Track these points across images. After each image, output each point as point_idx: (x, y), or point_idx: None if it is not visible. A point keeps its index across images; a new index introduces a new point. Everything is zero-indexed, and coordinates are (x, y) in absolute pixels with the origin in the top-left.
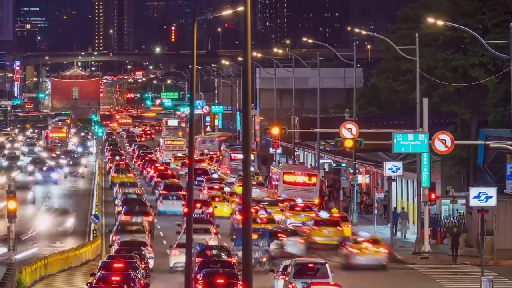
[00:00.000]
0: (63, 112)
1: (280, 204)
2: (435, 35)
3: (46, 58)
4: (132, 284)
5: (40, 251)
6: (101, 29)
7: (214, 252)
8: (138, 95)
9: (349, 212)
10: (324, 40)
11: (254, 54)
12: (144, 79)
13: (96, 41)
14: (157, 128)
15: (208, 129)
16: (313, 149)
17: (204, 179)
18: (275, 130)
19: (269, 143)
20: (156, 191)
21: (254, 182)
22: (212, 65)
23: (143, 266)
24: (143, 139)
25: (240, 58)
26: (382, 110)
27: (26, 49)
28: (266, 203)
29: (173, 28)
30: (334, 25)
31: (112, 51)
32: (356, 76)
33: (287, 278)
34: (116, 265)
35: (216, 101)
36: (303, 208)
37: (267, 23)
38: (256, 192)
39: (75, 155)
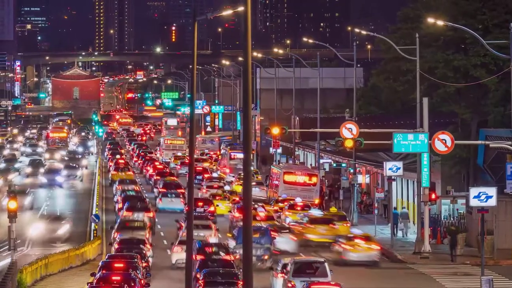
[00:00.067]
0: (64, 112)
1: (271, 203)
2: (436, 35)
3: (47, 58)
4: (133, 284)
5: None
6: (101, 29)
7: (213, 249)
8: (138, 95)
9: (349, 212)
10: (324, 40)
11: (255, 54)
12: (144, 79)
13: (97, 41)
14: (159, 127)
15: (209, 129)
16: (314, 149)
17: (203, 178)
18: (276, 130)
19: (270, 143)
20: (155, 189)
21: (253, 182)
22: (213, 65)
23: (143, 265)
24: (144, 138)
25: (240, 58)
26: (383, 110)
27: (26, 49)
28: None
29: (173, 28)
30: (334, 25)
31: (112, 51)
32: (357, 76)
33: (286, 277)
34: (116, 265)
35: (216, 101)
36: (302, 208)
37: (268, 23)
38: (255, 191)
39: (76, 156)
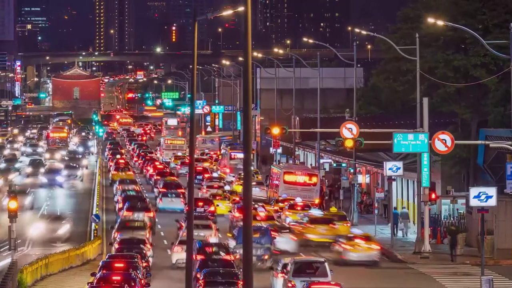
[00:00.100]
0: (64, 112)
1: (271, 203)
2: (436, 35)
3: (47, 58)
4: (133, 284)
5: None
6: (102, 29)
7: (214, 249)
8: (139, 95)
9: (349, 211)
10: (324, 40)
11: (255, 54)
12: (145, 79)
13: (97, 41)
14: (159, 127)
15: (209, 129)
16: (314, 149)
17: (204, 178)
18: (276, 130)
19: (270, 143)
20: (155, 189)
21: (253, 182)
22: (213, 65)
23: (144, 265)
24: (144, 138)
25: (240, 58)
26: (383, 110)
27: (27, 49)
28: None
29: (173, 28)
30: (335, 25)
31: (113, 51)
32: (357, 76)
33: (286, 277)
34: (117, 265)
35: (216, 101)
36: (302, 208)
37: (268, 23)
38: (255, 191)
39: (76, 156)
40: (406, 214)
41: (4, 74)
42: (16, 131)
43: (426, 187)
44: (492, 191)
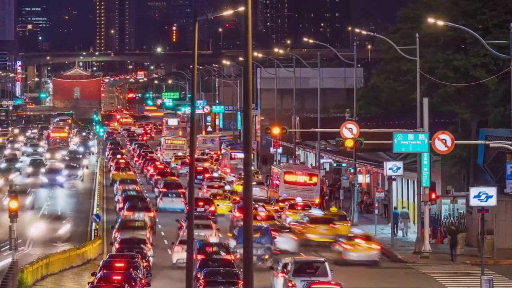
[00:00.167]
0: (65, 112)
1: (271, 203)
2: (436, 35)
3: (48, 58)
4: (133, 284)
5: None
6: (102, 29)
7: (214, 249)
8: (139, 95)
9: (349, 211)
10: (324, 40)
11: (255, 54)
12: (145, 79)
13: (98, 41)
14: (160, 127)
15: (209, 129)
16: (314, 149)
17: (204, 177)
18: (276, 130)
19: (270, 143)
20: (156, 189)
21: (253, 182)
22: (213, 65)
23: (144, 265)
24: (144, 138)
25: (241, 58)
26: (383, 110)
27: (27, 49)
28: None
29: (174, 28)
30: (335, 25)
31: (113, 51)
32: (357, 76)
33: (286, 276)
34: (117, 265)
35: (217, 101)
36: (303, 207)
37: (268, 23)
38: (255, 191)
39: (77, 156)
40: (406, 214)
41: (4, 74)
42: (16, 131)
43: (426, 187)
44: (492, 191)
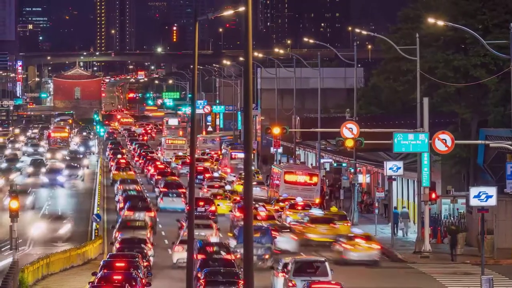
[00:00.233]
0: (65, 112)
1: (271, 203)
2: (436, 35)
3: (48, 58)
4: (134, 283)
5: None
6: (103, 29)
7: (214, 249)
8: (140, 95)
9: (350, 211)
10: (325, 40)
11: (255, 54)
12: (146, 79)
13: (98, 41)
14: (160, 127)
15: (210, 128)
16: (314, 149)
17: (204, 177)
18: (276, 130)
19: (270, 143)
20: (156, 188)
21: (254, 182)
22: (214, 65)
23: (145, 264)
24: (145, 138)
25: (241, 58)
26: (383, 110)
27: (28, 49)
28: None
29: (174, 28)
30: (335, 25)
31: (114, 51)
32: (357, 76)
33: (287, 276)
34: (118, 264)
35: (217, 101)
36: (303, 207)
37: (268, 23)
38: (256, 191)
39: (77, 156)
40: (407, 214)
41: (5, 74)
42: (17, 131)
43: (426, 186)
44: (492, 190)
